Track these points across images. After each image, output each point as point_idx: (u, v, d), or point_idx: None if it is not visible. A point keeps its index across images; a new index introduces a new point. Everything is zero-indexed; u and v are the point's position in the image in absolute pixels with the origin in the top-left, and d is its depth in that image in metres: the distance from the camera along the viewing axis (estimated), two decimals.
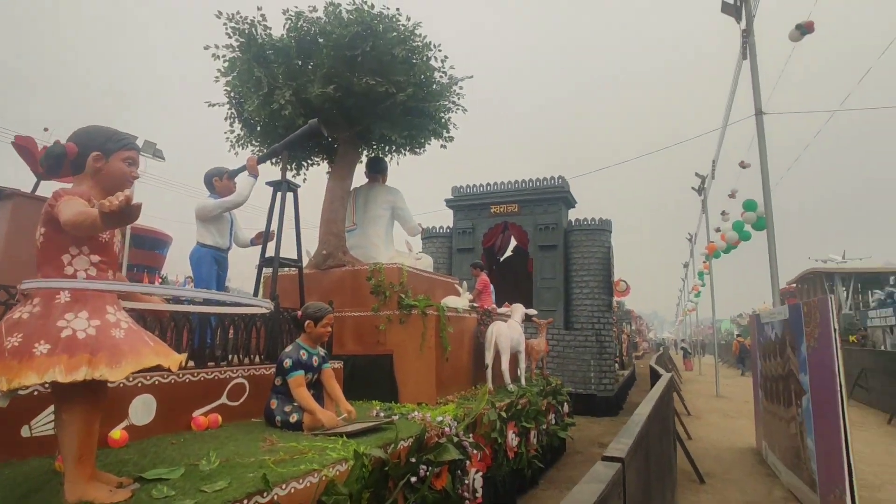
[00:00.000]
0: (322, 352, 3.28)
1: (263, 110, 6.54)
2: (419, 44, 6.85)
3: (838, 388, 4.75)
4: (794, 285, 31.60)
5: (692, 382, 21.83)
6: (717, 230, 13.98)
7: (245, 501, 1.78)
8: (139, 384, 2.66)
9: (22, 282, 1.65)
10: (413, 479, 2.59)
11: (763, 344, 7.93)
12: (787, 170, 10.84)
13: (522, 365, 7.00)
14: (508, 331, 6.53)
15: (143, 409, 2.67)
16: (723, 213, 13.74)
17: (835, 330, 4.90)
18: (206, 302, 2.71)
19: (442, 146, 7.75)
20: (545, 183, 13.17)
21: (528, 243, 13.26)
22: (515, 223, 13.40)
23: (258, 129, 7.16)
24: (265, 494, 1.85)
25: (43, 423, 2.26)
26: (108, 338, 1.64)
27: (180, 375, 2.85)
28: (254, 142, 7.40)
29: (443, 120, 7.44)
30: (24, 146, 3.64)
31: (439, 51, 7.08)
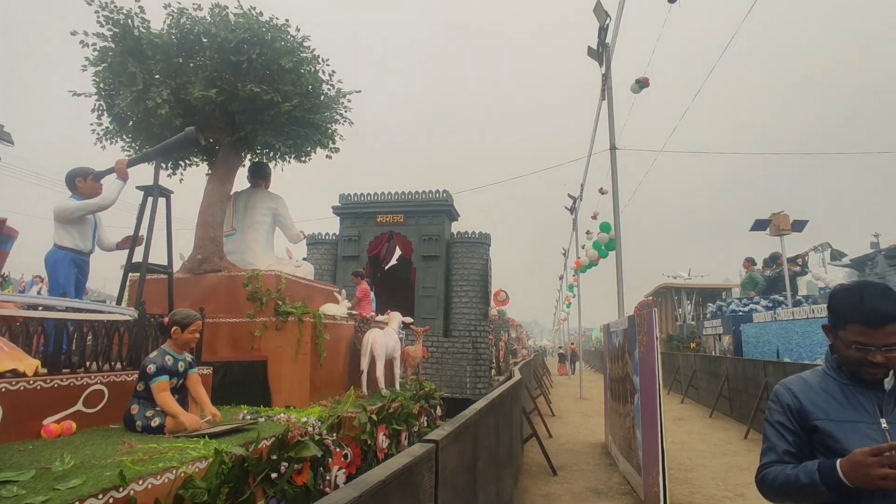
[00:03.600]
0: (189, 357, 3.35)
1: (137, 106, 6.29)
2: (307, 56, 6.99)
3: (657, 387, 5.64)
4: (651, 298, 35.41)
5: (563, 386, 23.63)
6: (583, 247, 15.48)
7: (101, 496, 1.89)
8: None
9: None
10: (273, 474, 2.80)
11: (610, 350, 9.02)
12: (629, 200, 12.40)
13: (397, 371, 7.34)
14: (384, 338, 6.84)
15: None
16: (587, 232, 15.24)
17: (656, 338, 5.82)
18: (67, 307, 2.70)
19: (327, 156, 7.90)
20: (430, 196, 13.74)
21: (412, 253, 13.72)
22: (400, 233, 13.81)
23: (130, 124, 6.83)
24: (121, 490, 1.97)
25: None
26: None
27: (31, 382, 2.79)
28: (125, 136, 7.03)
29: (329, 131, 7.60)
30: None
31: (327, 64, 7.27)
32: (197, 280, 6.43)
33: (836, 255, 17.43)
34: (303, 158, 7.95)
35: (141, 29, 6.51)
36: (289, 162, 8.06)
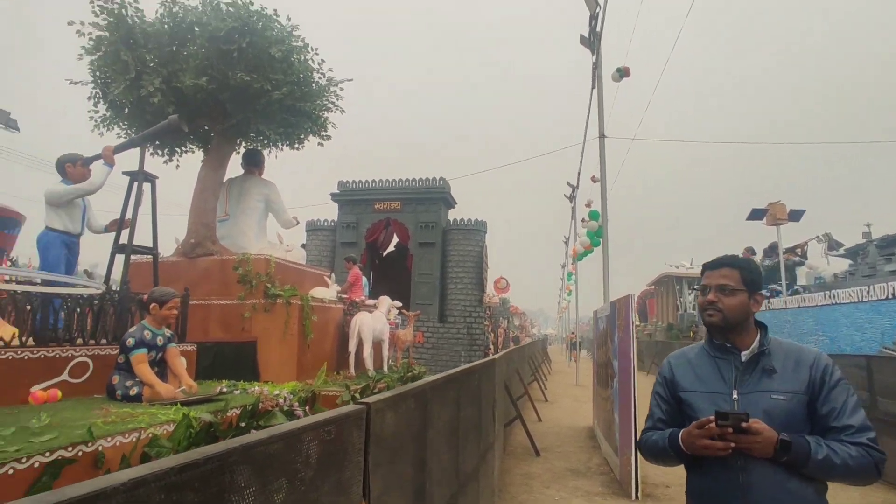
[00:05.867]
0: (168, 333, 3.56)
1: (130, 94, 6.48)
2: (298, 44, 7.13)
3: (632, 370, 5.82)
4: (653, 287, 35.47)
5: (561, 374, 23.85)
6: (579, 236, 15.60)
7: (70, 448, 2.11)
8: None
9: None
10: None
11: (598, 336, 9.20)
12: (614, 184, 12.47)
13: (386, 353, 7.56)
14: (372, 321, 7.05)
15: None
16: (583, 220, 15.34)
17: (632, 323, 5.99)
18: (45, 283, 2.91)
19: (319, 144, 8.06)
20: (427, 183, 13.89)
21: (409, 240, 13.92)
22: (398, 220, 14.01)
23: (125, 111, 7.03)
24: (90, 444, 2.18)
25: None
26: None
27: (18, 353, 3.02)
28: (121, 124, 7.25)
29: (321, 119, 7.77)
30: None
31: (317, 53, 7.41)
32: (190, 263, 6.66)
33: (834, 246, 17.42)
34: (296, 146, 8.13)
35: (135, 18, 6.69)
36: (282, 149, 8.24)
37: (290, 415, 3.41)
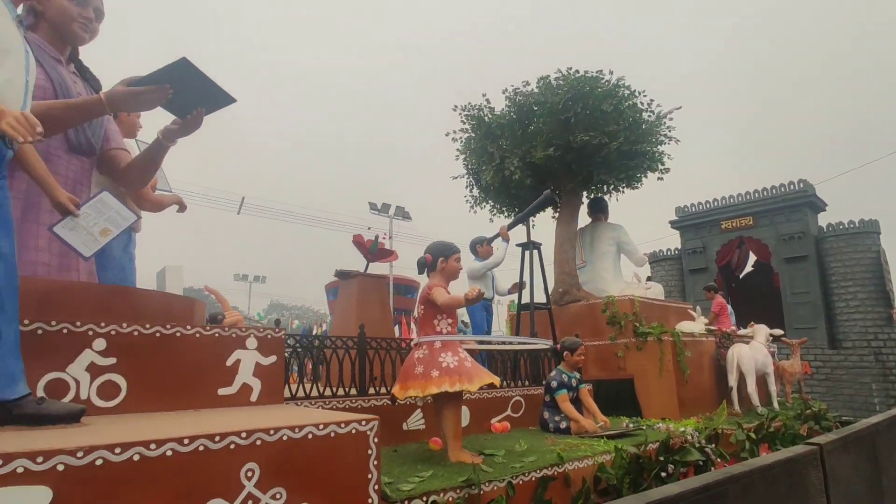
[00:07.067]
0: (577, 375, 4.22)
1: (497, 177, 7.98)
2: (625, 93, 7.57)
3: None
4: None
5: None
6: None
7: (549, 468, 2.78)
8: (466, 399, 3.96)
9: (416, 338, 3.03)
10: (663, 474, 3.30)
11: None
12: None
13: (773, 388, 6.85)
14: (751, 352, 6.55)
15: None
16: None
17: None
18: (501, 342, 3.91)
19: (659, 178, 8.17)
20: (783, 189, 12.14)
21: (769, 257, 12.29)
22: (752, 237, 12.57)
23: (491, 190, 8.65)
24: (560, 466, 2.83)
25: (414, 422, 3.66)
26: (464, 367, 2.84)
27: (481, 393, 4.08)
28: (489, 201, 8.95)
29: (656, 154, 7.93)
30: (359, 242, 5.49)
31: (644, 95, 7.66)
32: (561, 310, 7.55)
33: None
34: (635, 185, 8.45)
35: (489, 116, 8.31)
36: (622, 192, 8.67)
37: (702, 451, 3.54)
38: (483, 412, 4.08)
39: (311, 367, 3.43)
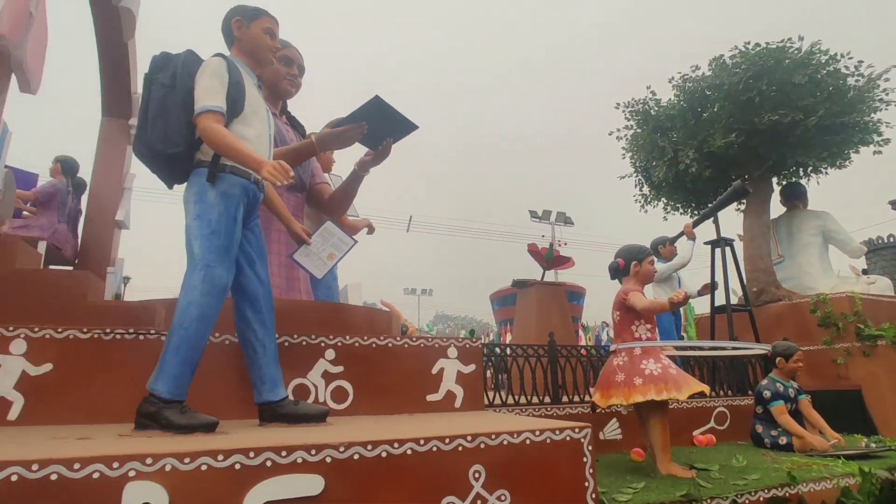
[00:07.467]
0: (795, 384, 3.72)
1: (670, 172, 7.45)
2: (821, 59, 6.57)
3: None
4: None
5: None
6: None
7: (778, 488, 2.50)
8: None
9: (613, 345, 2.95)
10: None
11: None
12: None
13: None
14: None
15: None
16: None
17: None
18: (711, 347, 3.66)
19: (876, 152, 6.91)
20: None
21: None
22: None
23: (664, 186, 8.08)
24: (792, 487, 2.52)
25: (610, 431, 3.56)
26: (669, 374, 2.70)
27: (680, 403, 3.82)
28: (661, 198, 8.38)
29: (870, 125, 6.72)
30: (534, 251, 5.52)
31: (849, 57, 6.57)
32: (758, 312, 6.73)
33: None
34: (843, 164, 7.25)
35: (656, 108, 7.80)
36: (825, 173, 7.51)
37: None
38: (683, 423, 3.81)
39: (492, 375, 3.53)
